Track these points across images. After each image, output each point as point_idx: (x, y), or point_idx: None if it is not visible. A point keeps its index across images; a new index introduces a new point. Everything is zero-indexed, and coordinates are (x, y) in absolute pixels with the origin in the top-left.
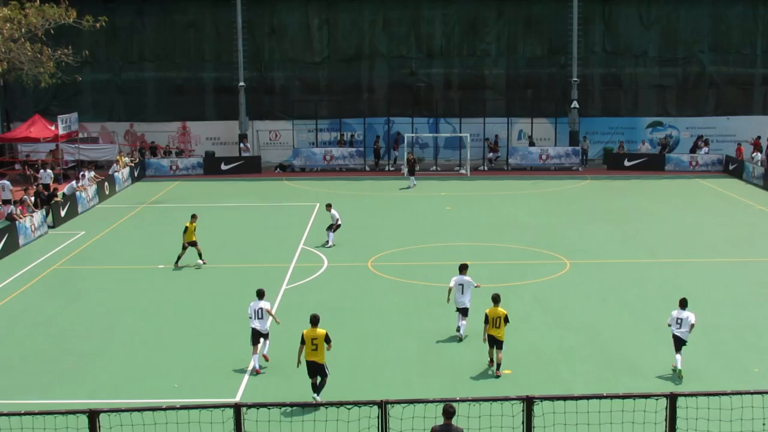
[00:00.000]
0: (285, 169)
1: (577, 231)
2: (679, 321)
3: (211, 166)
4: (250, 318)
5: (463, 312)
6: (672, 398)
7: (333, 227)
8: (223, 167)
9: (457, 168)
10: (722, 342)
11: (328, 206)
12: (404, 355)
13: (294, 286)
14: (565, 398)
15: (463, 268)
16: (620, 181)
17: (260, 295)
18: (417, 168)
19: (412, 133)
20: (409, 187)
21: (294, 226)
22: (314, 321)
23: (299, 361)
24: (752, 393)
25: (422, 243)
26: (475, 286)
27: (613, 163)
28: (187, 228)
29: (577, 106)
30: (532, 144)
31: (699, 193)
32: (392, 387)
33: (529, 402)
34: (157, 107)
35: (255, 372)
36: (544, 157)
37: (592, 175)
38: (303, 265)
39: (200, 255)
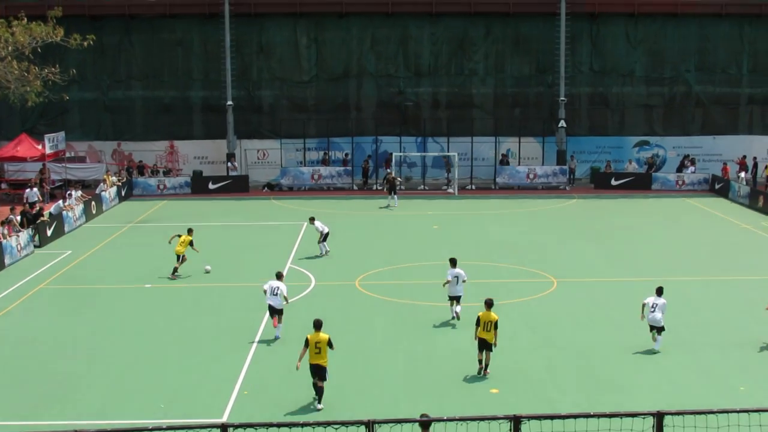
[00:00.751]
0: (273, 188)
1: (565, 250)
2: (654, 306)
3: (198, 186)
4: (265, 293)
5: (458, 300)
6: (659, 417)
7: (322, 237)
8: (211, 186)
9: (445, 187)
10: (709, 360)
11: (311, 219)
12: (391, 374)
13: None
14: (552, 417)
15: (454, 262)
16: (607, 200)
17: (279, 277)
18: (399, 187)
19: (400, 152)
20: (388, 206)
21: (281, 245)
22: (318, 325)
23: (298, 364)
24: (738, 411)
25: (410, 262)
26: (463, 280)
27: (601, 182)
28: (179, 238)
29: (565, 125)
30: (505, 163)
31: (685, 212)
32: (379, 406)
33: (516, 421)
34: (145, 126)
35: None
36: (531, 176)
37: (580, 194)
38: (290, 284)
39: (175, 270)
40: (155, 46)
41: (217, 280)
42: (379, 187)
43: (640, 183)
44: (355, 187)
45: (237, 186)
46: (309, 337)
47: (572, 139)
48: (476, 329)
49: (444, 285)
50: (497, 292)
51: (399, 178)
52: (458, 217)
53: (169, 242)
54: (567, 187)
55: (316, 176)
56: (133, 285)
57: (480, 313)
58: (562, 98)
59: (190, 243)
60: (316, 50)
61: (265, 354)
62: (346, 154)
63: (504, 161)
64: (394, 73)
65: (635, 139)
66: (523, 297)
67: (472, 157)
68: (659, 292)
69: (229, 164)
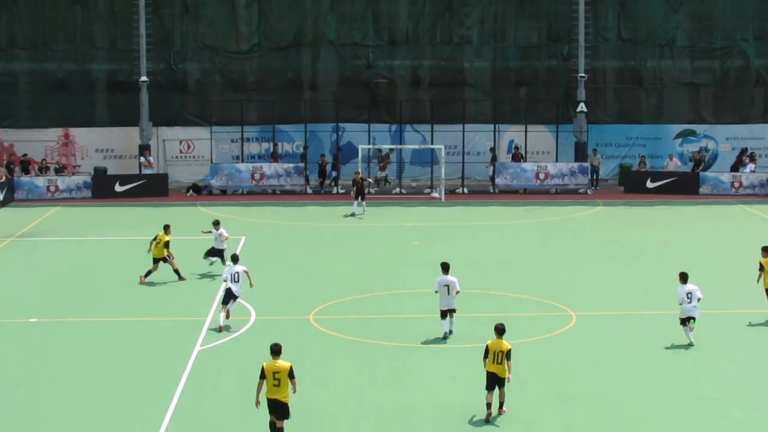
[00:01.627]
0: (200, 192)
1: (586, 273)
2: (689, 296)
3: (102, 187)
4: (225, 281)
5: (451, 313)
6: None
7: (214, 251)
8: (118, 188)
9: (428, 190)
10: None
11: (216, 224)
12: None
13: (210, 346)
14: None
15: (446, 268)
16: (641, 207)
17: (235, 260)
18: (368, 190)
19: (369, 144)
20: (354, 215)
21: (211, 267)
22: (276, 351)
23: (258, 400)
24: None
25: (381, 289)
26: (456, 291)
27: (633, 184)
28: (157, 238)
29: (585, 109)
30: (518, 158)
31: (743, 223)
32: None
33: None
34: (32, 109)
35: (219, 329)
36: (541, 176)
37: (605, 200)
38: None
39: (178, 273)
40: (46, 5)
41: (124, 313)
42: (343, 191)
43: (684, 185)
44: (309, 191)
45: (153, 188)
46: (265, 365)
47: (595, 127)
48: (485, 362)
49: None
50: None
51: (369, 179)
52: (446, 230)
53: (149, 251)
54: (588, 191)
55: (257, 176)
56: (12, 319)
57: (489, 342)
58: (582, 74)
59: (166, 244)
60: (258, 10)
61: (190, 407)
62: (305, 147)
63: (516, 156)
64: (361, 40)
65: (677, 128)
66: (533, 336)
67: (463, 150)
68: (685, 278)
69: (143, 159)
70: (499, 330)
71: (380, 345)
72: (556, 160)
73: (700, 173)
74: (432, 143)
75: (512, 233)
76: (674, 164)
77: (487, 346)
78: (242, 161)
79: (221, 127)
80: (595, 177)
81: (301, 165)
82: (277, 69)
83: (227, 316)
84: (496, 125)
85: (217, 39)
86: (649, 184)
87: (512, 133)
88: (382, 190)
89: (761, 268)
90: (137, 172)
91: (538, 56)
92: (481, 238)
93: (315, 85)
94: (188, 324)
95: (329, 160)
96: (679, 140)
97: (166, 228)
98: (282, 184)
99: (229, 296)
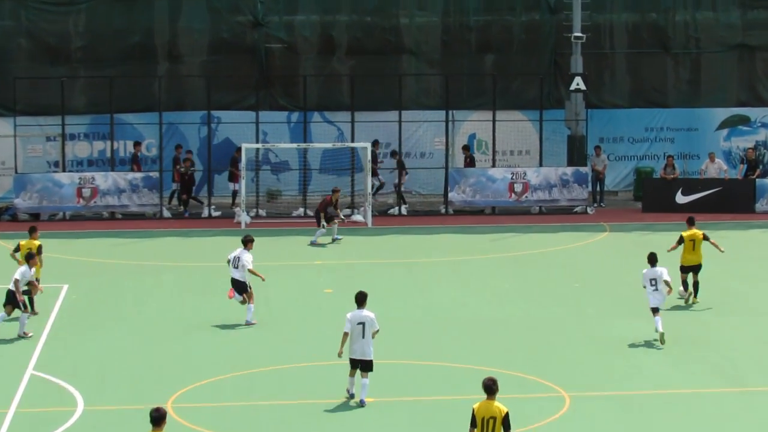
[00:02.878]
0: None
1: (584, 335)
2: (653, 282)
3: None
4: (228, 263)
5: (366, 366)
6: None
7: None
8: None
9: (348, 212)
10: None
11: (29, 258)
12: None
13: None
14: None
15: (361, 299)
16: (667, 234)
17: (246, 243)
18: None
19: (257, 142)
20: (314, 243)
21: (11, 329)
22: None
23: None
24: None
25: (272, 363)
26: (375, 331)
27: (655, 198)
28: (18, 247)
29: (583, 87)
30: (470, 163)
31: None
32: None
33: None
34: None
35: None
36: (518, 188)
37: (613, 224)
38: (35, 410)
39: (29, 305)
40: None
41: None
42: (218, 213)
43: (733, 199)
44: (167, 214)
45: None
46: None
47: (598, 114)
48: None
49: (340, 354)
50: (457, 416)
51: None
52: (375, 271)
53: (14, 256)
54: (589, 210)
55: (87, 192)
56: None
57: (475, 406)
58: (578, 35)
59: (37, 250)
60: None
61: None
62: (161, 147)
63: (468, 160)
64: None
65: (722, 113)
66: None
67: (400, 150)
68: (654, 260)
69: None
70: (489, 387)
71: None
72: (540, 164)
73: (757, 180)
74: (352, 140)
75: (474, 275)
76: (717, 167)
77: (473, 412)
78: (63, 170)
79: (30, 117)
80: (598, 188)
81: (155, 175)
82: (117, 29)
83: (250, 306)
84: (450, 112)
85: None
86: (680, 199)
87: (473, 124)
88: (273, 210)
89: (680, 241)
90: None
91: (512, 7)
92: (427, 282)
93: (175, 53)
94: None
95: (200, 167)
96: (725, 132)
97: (33, 231)
98: (125, 204)
99: (236, 286)
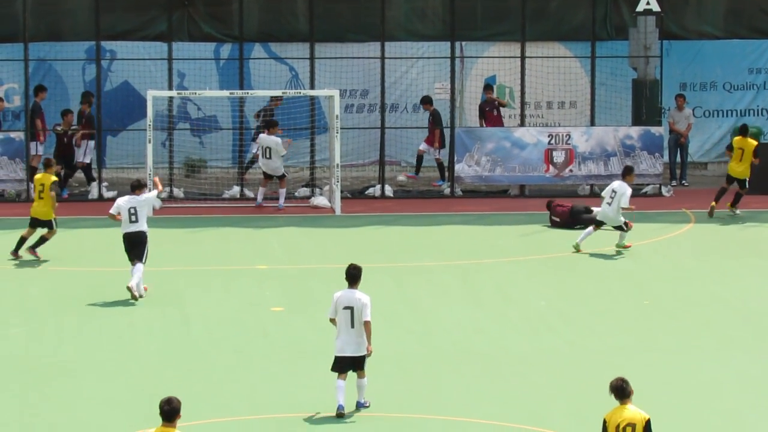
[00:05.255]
0: None
1: (659, 378)
2: (613, 194)
3: None
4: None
5: (358, 363)
6: None
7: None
8: None
9: (306, 192)
10: None
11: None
12: None
13: None
14: None
15: (354, 277)
16: None
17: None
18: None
19: (171, 89)
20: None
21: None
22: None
23: None
24: None
25: (195, 416)
26: (366, 322)
27: (764, 173)
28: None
29: (656, 6)
30: (497, 118)
31: None
32: None
33: None
34: None
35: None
36: (558, 157)
37: (700, 210)
38: None
39: (37, 243)
40: None
41: None
42: (113, 193)
43: None
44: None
45: None
46: None
47: (679, 47)
48: None
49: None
50: None
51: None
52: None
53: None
54: (665, 190)
55: None
56: None
57: (607, 415)
58: None
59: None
60: None
61: None
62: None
63: (492, 112)
64: None
65: None
66: None
67: (383, 101)
68: (629, 172)
69: None
70: (620, 389)
71: None
72: (592, 122)
73: None
74: (312, 85)
75: (494, 288)
76: None
77: (604, 423)
78: None
79: None
80: (679, 159)
81: (19, 137)
82: None
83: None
84: (457, 44)
85: None
86: None
87: (492, 62)
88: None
89: (729, 148)
90: None
91: None
92: (424, 297)
93: None
94: None
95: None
96: None
97: (49, 164)
98: None
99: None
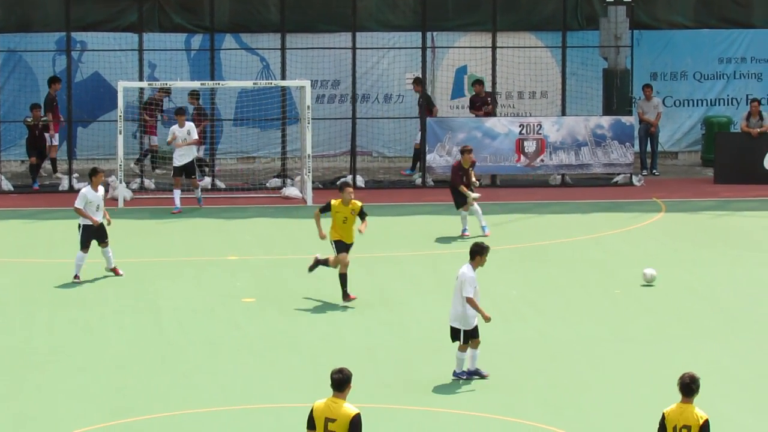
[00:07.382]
0: None
1: (629, 367)
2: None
3: None
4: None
5: (471, 337)
6: None
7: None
8: None
9: (276, 183)
10: None
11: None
12: None
13: None
14: None
15: (474, 252)
16: (751, 215)
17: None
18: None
19: (141, 80)
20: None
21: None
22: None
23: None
24: None
25: (164, 408)
26: (467, 298)
27: (734, 161)
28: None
29: None
30: (481, 109)
31: None
32: None
33: None
34: None
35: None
36: (530, 147)
37: (670, 199)
38: None
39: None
40: None
41: None
42: (82, 185)
43: None
44: (6, 186)
45: None
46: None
47: (649, 37)
48: None
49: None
50: None
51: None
52: (317, 273)
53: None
54: (636, 179)
55: None
56: None
57: (666, 411)
58: None
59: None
60: None
61: None
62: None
63: (484, 106)
64: None
65: None
66: None
67: (354, 92)
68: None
69: None
70: (687, 387)
71: None
72: (563, 112)
73: None
74: (283, 75)
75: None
76: None
77: (662, 418)
78: None
79: None
80: (649, 148)
81: None
82: None
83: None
84: (427, 34)
85: None
86: None
87: (463, 53)
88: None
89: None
90: None
91: None
92: (396, 288)
93: None
94: None
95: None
96: None
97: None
98: None
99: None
